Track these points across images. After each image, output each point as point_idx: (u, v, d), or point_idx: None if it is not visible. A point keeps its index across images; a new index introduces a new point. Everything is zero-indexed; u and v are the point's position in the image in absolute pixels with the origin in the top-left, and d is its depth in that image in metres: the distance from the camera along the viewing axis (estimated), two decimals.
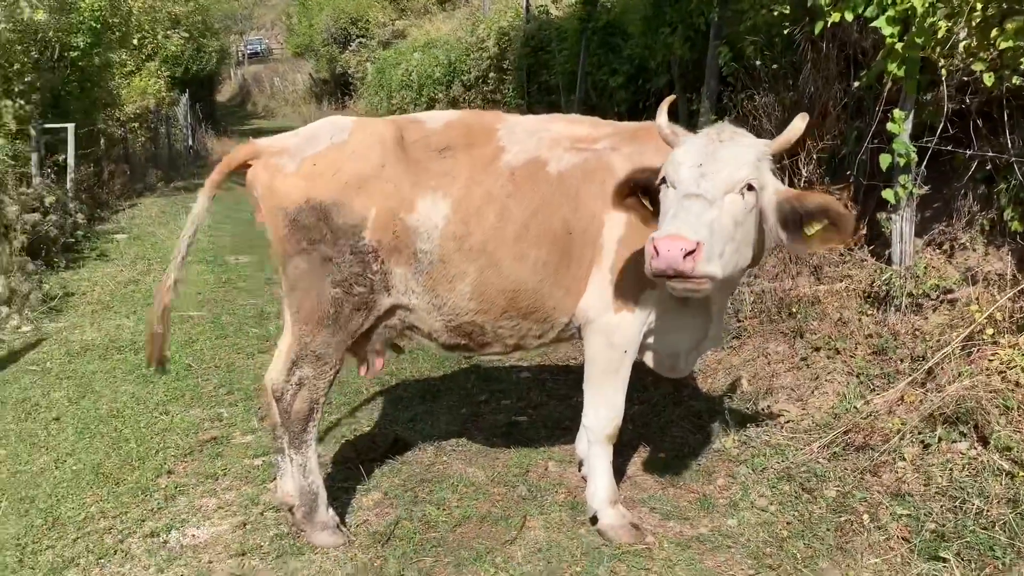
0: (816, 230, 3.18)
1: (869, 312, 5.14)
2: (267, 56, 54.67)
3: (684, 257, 2.90)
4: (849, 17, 4.95)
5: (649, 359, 4.03)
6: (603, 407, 3.88)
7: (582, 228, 3.72)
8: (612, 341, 3.78)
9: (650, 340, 3.93)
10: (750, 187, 3.14)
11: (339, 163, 3.60)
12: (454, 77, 16.30)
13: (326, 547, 3.89)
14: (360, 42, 29.43)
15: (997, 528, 3.46)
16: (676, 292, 3.14)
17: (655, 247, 2.94)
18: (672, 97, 3.82)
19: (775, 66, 6.44)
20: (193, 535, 4.12)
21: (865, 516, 3.82)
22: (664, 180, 3.25)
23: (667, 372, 4.06)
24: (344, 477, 4.60)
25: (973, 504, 3.61)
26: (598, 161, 3.78)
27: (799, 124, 3.23)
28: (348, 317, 3.66)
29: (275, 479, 4.19)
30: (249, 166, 3.73)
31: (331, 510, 3.99)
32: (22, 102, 12.36)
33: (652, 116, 8.24)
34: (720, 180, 3.11)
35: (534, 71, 12.09)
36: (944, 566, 3.37)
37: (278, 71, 45.24)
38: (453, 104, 16.36)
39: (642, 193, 3.38)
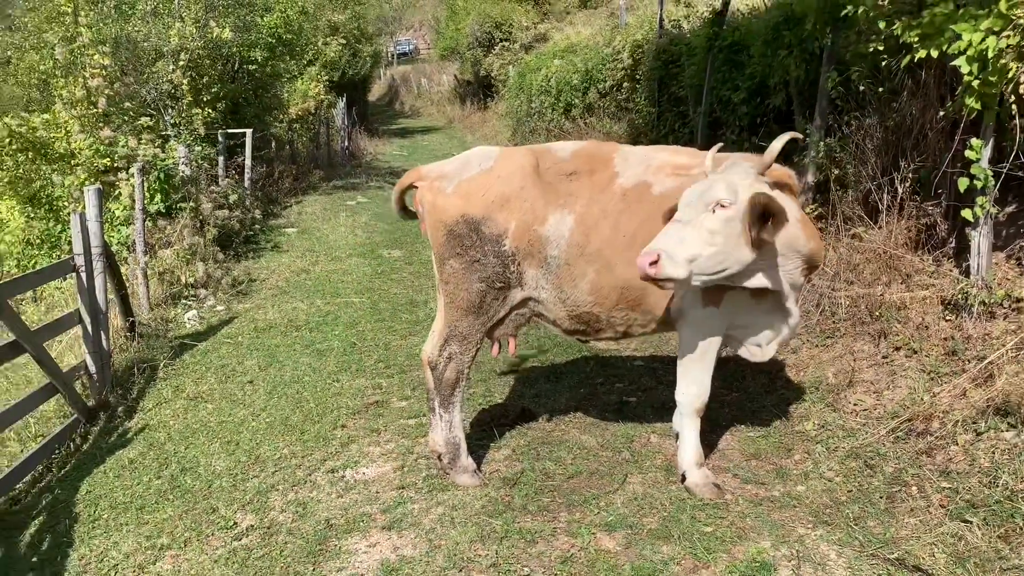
0: (760, 228, 4.00)
1: (948, 318, 5.73)
2: (415, 56, 56.91)
3: (649, 264, 3.88)
4: (935, 54, 5.54)
5: (736, 348, 4.86)
6: (693, 385, 4.74)
7: None
8: (701, 331, 4.63)
9: (735, 332, 4.75)
10: (721, 204, 3.96)
11: (487, 186, 4.62)
12: (590, 84, 17.17)
13: (466, 486, 4.93)
14: (503, 45, 30.66)
15: (1020, 499, 4.11)
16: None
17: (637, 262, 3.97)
18: (720, 144, 4.66)
19: (880, 90, 7.02)
20: (363, 472, 5.25)
21: (913, 488, 4.52)
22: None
23: (751, 358, 4.86)
24: (480, 437, 5.63)
25: (1006, 480, 4.26)
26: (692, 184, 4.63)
27: (776, 145, 4.08)
28: (489, 306, 4.68)
29: (427, 433, 5.27)
30: (415, 187, 4.81)
31: (470, 458, 5.03)
32: (210, 110, 14.12)
33: (770, 130, 8.94)
34: (697, 204, 4.01)
35: (665, 83, 12.81)
36: (968, 526, 4.06)
37: (425, 72, 47.19)
38: (588, 110, 17.23)
39: None
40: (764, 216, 3.96)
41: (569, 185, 4.68)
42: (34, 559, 4.54)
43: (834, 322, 6.64)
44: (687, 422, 4.82)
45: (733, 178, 4.07)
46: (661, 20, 13.83)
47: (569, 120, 18.38)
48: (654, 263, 3.88)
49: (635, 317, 4.73)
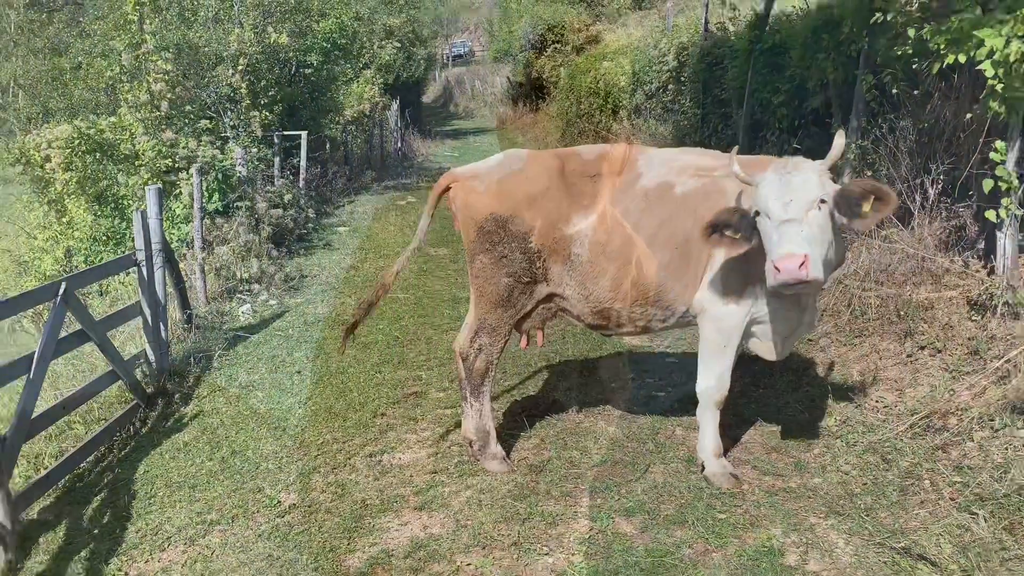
0: (868, 207, 4.14)
1: (973, 318, 5.82)
2: (470, 59, 57.39)
3: (799, 268, 3.97)
4: (963, 59, 5.64)
5: (753, 344, 5.03)
6: (712, 379, 4.93)
7: (699, 237, 4.77)
8: (720, 327, 4.82)
9: (753, 328, 4.93)
10: (822, 200, 4.14)
11: (516, 186, 4.88)
12: (638, 86, 17.32)
13: (495, 472, 5.19)
14: (555, 48, 30.87)
15: None
16: (788, 292, 4.20)
17: (776, 267, 4.04)
18: (736, 147, 4.80)
19: (915, 92, 7.10)
20: (399, 458, 5.55)
21: (927, 482, 4.66)
22: (758, 212, 4.28)
23: (767, 355, 5.03)
24: (512, 425, 5.89)
25: (1014, 475, 4.38)
26: (714, 185, 4.83)
27: (840, 142, 4.23)
28: (516, 299, 4.94)
29: (460, 422, 5.55)
30: (450, 188, 5.09)
31: (499, 446, 5.29)
32: (267, 113, 14.63)
33: (808, 132, 9.02)
34: (801, 203, 4.13)
35: (709, 85, 12.92)
36: (974, 518, 4.19)
37: (479, 74, 47.66)
38: (636, 111, 17.37)
39: (725, 228, 4.41)
40: (852, 206, 4.18)
41: (593, 186, 4.91)
42: (95, 531, 4.93)
43: (863, 322, 6.75)
44: (706, 414, 5.01)
45: (815, 176, 4.20)
46: (706, 23, 13.94)
47: (616, 121, 18.55)
48: (802, 265, 3.99)
49: (655, 312, 4.94)
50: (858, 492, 4.72)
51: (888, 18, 6.36)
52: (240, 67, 13.88)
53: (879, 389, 5.79)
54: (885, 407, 5.57)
